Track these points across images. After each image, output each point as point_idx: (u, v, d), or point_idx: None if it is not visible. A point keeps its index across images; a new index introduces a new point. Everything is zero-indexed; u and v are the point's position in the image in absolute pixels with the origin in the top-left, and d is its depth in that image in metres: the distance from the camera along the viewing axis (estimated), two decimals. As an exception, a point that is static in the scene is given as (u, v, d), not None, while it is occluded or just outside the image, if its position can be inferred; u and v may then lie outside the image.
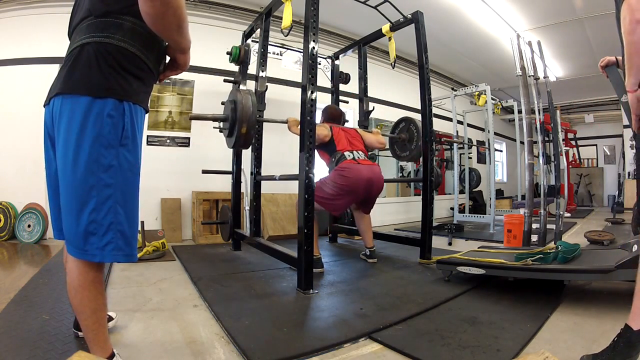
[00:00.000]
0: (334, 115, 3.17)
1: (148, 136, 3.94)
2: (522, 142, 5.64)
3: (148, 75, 1.09)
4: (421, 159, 3.29)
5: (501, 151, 9.79)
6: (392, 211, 5.87)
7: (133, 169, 1.07)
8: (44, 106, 1.10)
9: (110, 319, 1.54)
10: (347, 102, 4.29)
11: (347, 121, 3.49)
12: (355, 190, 2.68)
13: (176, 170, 4.04)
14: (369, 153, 3.14)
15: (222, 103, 2.63)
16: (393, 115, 3.88)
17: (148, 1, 0.89)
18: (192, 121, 4.17)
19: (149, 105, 1.17)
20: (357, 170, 2.67)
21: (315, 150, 2.34)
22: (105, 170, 0.99)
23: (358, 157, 2.79)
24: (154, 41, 1.06)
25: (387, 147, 3.63)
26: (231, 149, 3.56)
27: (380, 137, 3.22)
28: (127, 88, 1.01)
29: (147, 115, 1.21)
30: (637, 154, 1.37)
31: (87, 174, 0.98)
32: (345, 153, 2.78)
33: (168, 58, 1.20)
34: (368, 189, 2.74)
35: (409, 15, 3.17)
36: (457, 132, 5.99)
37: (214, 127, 2.59)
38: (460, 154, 6.42)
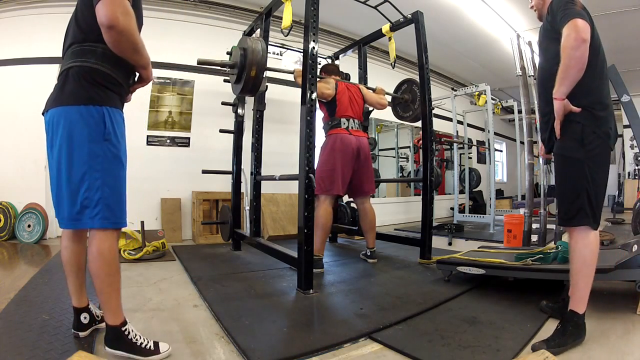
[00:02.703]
0: (334, 70, 3.22)
1: (148, 136, 3.94)
2: (522, 142, 5.64)
3: (119, 88, 1.36)
4: (421, 159, 3.29)
5: (501, 151, 9.79)
6: (392, 211, 5.86)
7: (117, 158, 1.32)
8: (42, 114, 1.35)
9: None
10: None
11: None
12: (345, 157, 2.85)
13: (176, 170, 4.04)
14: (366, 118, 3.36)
15: (228, 53, 2.58)
16: (393, 115, 3.86)
17: (107, 33, 1.17)
18: (192, 121, 4.18)
19: (123, 108, 1.42)
20: (347, 140, 2.88)
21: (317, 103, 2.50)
22: (94, 159, 1.26)
23: (351, 128, 2.94)
24: (121, 62, 1.31)
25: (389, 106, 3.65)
26: (231, 148, 3.59)
27: (382, 99, 3.25)
28: (104, 97, 1.29)
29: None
30: (570, 162, 1.52)
31: (81, 164, 1.25)
32: (342, 120, 2.91)
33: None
34: (356, 154, 2.92)
35: (409, 15, 3.17)
36: (457, 132, 5.98)
37: (220, 70, 2.56)
38: (460, 154, 6.41)
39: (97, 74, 1.27)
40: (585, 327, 1.44)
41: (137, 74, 1.44)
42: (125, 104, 1.44)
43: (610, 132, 1.48)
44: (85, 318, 1.43)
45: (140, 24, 1.38)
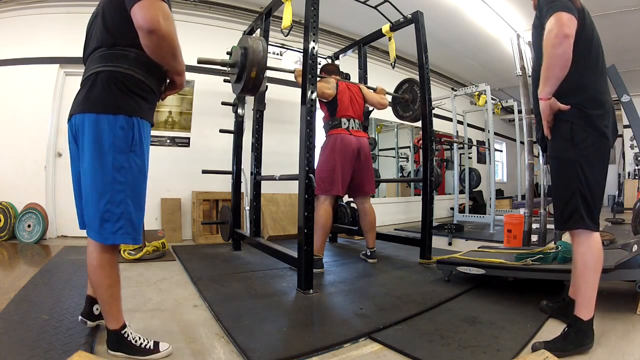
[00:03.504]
0: (334, 70, 3.23)
1: (148, 136, 3.94)
2: (522, 142, 5.64)
3: (151, 96, 1.32)
4: (421, 159, 3.29)
5: (501, 151, 9.79)
6: (392, 211, 5.86)
7: (141, 170, 1.29)
8: (67, 122, 1.31)
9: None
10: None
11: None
12: (345, 157, 2.85)
13: (176, 170, 4.04)
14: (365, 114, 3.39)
15: (228, 53, 2.57)
16: (393, 115, 3.87)
17: (147, 37, 1.13)
18: (192, 121, 4.18)
19: (153, 118, 1.38)
20: (348, 140, 2.88)
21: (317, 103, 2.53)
22: (118, 171, 1.22)
23: (352, 128, 2.94)
24: (155, 67, 1.28)
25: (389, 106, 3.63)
26: (231, 148, 3.59)
27: (383, 99, 3.25)
28: (134, 106, 1.24)
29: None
30: (563, 163, 1.46)
31: (104, 174, 1.21)
32: (342, 120, 2.91)
33: (168, 80, 1.41)
34: (357, 155, 2.92)
35: (409, 15, 3.17)
36: (457, 132, 5.99)
37: (220, 70, 2.52)
38: (460, 154, 6.42)
39: (129, 80, 1.23)
40: (592, 334, 1.37)
41: (168, 80, 1.40)
42: None
43: (606, 130, 1.39)
44: (97, 309, 1.47)
45: None
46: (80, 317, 1.49)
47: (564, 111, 1.38)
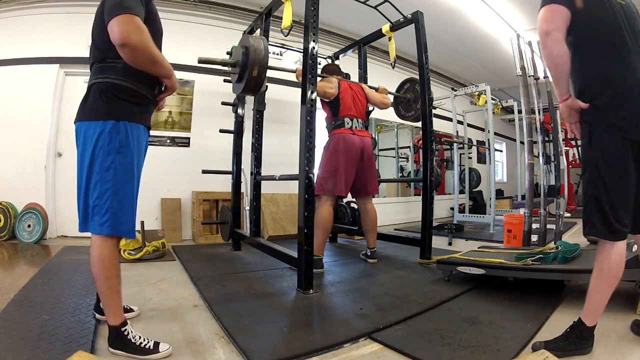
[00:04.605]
0: (335, 70, 3.23)
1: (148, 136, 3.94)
2: (522, 142, 5.64)
3: (142, 100, 1.41)
4: (421, 159, 3.29)
5: (501, 151, 9.79)
6: (392, 211, 5.86)
7: (128, 169, 1.37)
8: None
9: (130, 310, 1.73)
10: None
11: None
12: (349, 157, 2.84)
13: (176, 170, 4.04)
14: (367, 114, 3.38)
15: (228, 53, 2.56)
16: (393, 115, 3.88)
17: (121, 50, 1.24)
18: (192, 121, 4.18)
19: (149, 120, 1.49)
20: (351, 140, 2.87)
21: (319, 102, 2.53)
22: (106, 171, 1.32)
23: (355, 127, 2.93)
24: (142, 74, 1.36)
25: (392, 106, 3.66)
26: (231, 148, 3.59)
27: (385, 98, 3.25)
28: (122, 111, 1.34)
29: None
30: (584, 166, 1.37)
31: (93, 173, 1.32)
32: (345, 119, 2.90)
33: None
34: (360, 155, 2.92)
35: (409, 15, 3.17)
36: (457, 132, 5.99)
37: (220, 70, 2.51)
38: (460, 154, 6.41)
39: (117, 89, 1.33)
40: (592, 340, 1.35)
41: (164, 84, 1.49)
42: None
43: (622, 122, 1.24)
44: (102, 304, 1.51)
45: (160, 33, 1.46)
46: (92, 311, 1.62)
47: (584, 110, 1.29)
